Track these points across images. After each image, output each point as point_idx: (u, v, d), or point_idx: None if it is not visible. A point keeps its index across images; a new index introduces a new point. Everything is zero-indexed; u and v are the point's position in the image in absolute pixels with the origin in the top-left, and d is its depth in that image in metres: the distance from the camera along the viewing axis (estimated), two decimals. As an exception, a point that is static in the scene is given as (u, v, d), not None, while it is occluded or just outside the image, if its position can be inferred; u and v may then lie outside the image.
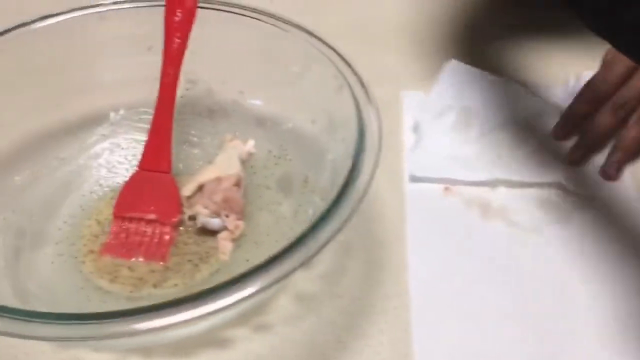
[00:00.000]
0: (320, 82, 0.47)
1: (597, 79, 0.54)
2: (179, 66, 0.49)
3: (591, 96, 0.54)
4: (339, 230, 0.37)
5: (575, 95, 0.56)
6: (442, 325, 0.44)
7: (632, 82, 0.53)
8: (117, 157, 0.53)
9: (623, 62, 0.53)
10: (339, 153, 0.45)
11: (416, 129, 0.57)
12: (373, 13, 0.71)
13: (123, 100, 0.54)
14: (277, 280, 0.35)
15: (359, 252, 0.48)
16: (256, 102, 0.53)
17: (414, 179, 0.53)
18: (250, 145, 0.51)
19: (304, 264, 0.35)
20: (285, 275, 0.35)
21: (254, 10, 0.51)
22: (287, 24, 0.50)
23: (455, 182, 0.52)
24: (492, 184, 0.52)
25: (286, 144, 0.51)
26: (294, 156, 0.50)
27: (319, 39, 0.48)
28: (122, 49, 0.53)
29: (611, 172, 0.51)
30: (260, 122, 0.53)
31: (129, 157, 0.53)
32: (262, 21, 0.51)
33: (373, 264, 0.48)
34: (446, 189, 0.52)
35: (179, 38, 0.50)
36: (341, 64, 0.46)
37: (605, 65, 0.55)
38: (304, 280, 0.46)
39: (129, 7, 0.53)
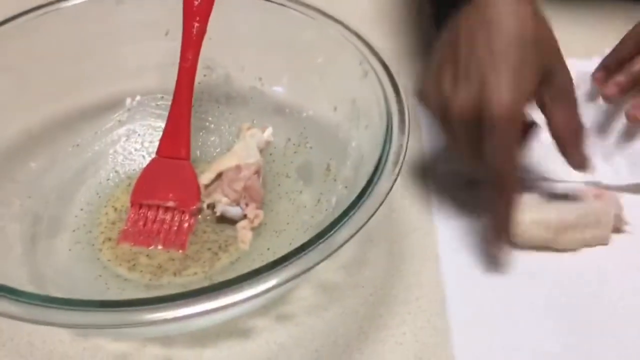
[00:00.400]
0: (344, 69, 0.46)
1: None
2: (198, 51, 0.48)
3: (637, 38, 0.51)
4: (365, 222, 0.36)
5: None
6: (477, 318, 0.43)
7: None
8: (134, 143, 0.52)
9: None
10: (363, 140, 0.44)
11: None
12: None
13: (139, 86, 0.53)
14: (300, 274, 0.34)
15: (381, 243, 0.48)
16: (275, 89, 0.52)
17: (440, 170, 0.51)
18: (268, 133, 0.50)
19: (329, 256, 0.35)
20: (309, 269, 0.34)
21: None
22: (310, 9, 0.49)
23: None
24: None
25: (306, 131, 0.50)
26: (314, 144, 0.50)
27: (344, 25, 0.47)
28: (138, 34, 0.52)
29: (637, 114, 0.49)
30: (279, 110, 0.52)
31: (146, 144, 0.52)
32: (285, 6, 0.50)
33: (395, 254, 0.47)
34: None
35: (198, 22, 0.49)
36: (367, 51, 0.45)
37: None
38: (326, 271, 0.45)
39: (147, -8, 0.52)
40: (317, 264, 0.34)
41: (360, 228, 0.36)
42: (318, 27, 0.48)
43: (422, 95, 0.47)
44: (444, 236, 0.48)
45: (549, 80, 0.44)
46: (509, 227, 0.44)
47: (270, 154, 0.51)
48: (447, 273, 0.45)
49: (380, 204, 0.37)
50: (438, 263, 0.46)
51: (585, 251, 0.47)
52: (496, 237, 0.45)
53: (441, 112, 0.44)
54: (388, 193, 0.37)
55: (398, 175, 0.38)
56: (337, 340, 0.42)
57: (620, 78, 0.51)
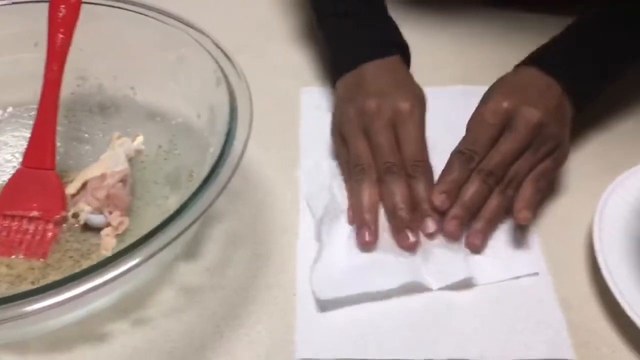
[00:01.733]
0: (202, 76, 0.47)
1: (465, 147, 0.50)
2: (63, 62, 0.49)
3: (467, 164, 0.49)
4: (202, 212, 0.38)
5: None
6: (324, 315, 0.45)
7: (501, 147, 0.49)
8: (4, 154, 0.52)
9: (488, 128, 0.50)
10: (219, 145, 0.45)
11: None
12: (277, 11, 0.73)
13: (10, 98, 0.54)
14: (142, 262, 0.35)
15: (247, 244, 0.49)
16: (146, 98, 0.53)
17: (322, 304, 0.45)
18: (138, 141, 0.51)
19: (161, 250, 0.36)
20: (150, 256, 0.35)
21: (143, 5, 0.52)
22: (176, 21, 0.50)
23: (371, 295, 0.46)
24: None
25: (175, 138, 0.51)
26: (182, 150, 0.51)
27: (204, 34, 0.49)
28: (7, 46, 0.52)
29: (475, 242, 0.48)
30: (151, 117, 0.53)
31: (17, 155, 0.52)
32: (150, 17, 0.51)
33: (260, 255, 0.48)
34: None
35: (62, 34, 0.49)
36: (221, 58, 0.47)
37: (471, 130, 0.51)
38: (189, 273, 0.47)
39: (14, 3, 0.52)
40: (151, 256, 0.35)
41: (198, 218, 0.37)
42: (179, 36, 0.49)
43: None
44: (304, 237, 0.49)
45: None
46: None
47: (142, 162, 0.52)
48: (301, 271, 0.47)
49: (213, 201, 0.39)
50: (297, 261, 0.47)
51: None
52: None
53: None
54: (218, 196, 0.39)
55: (231, 176, 0.40)
56: (192, 341, 0.43)
57: (457, 211, 0.48)
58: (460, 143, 0.51)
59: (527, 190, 0.49)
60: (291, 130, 0.58)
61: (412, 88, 0.54)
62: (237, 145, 0.41)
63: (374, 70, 0.55)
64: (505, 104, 0.50)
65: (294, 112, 0.60)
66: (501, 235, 0.49)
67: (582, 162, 0.55)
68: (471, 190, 0.48)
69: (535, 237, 0.50)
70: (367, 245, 0.47)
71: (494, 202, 0.49)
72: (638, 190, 0.51)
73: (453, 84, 0.63)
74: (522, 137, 0.49)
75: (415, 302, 0.45)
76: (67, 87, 0.54)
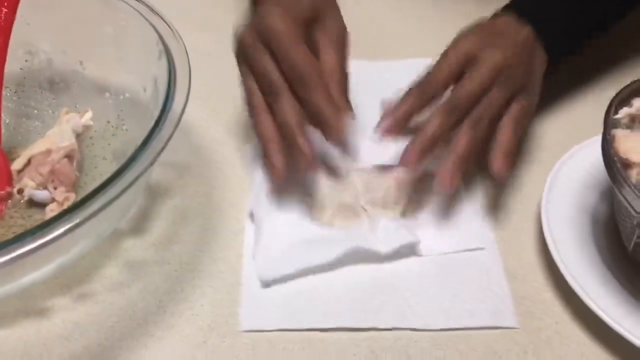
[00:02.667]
0: (145, 48, 0.46)
1: (428, 77, 0.48)
2: (7, 37, 0.48)
3: (421, 93, 0.48)
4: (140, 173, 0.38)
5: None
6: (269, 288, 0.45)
7: (464, 82, 0.47)
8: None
9: (454, 58, 0.48)
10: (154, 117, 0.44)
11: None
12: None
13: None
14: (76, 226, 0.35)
15: (196, 220, 0.49)
16: (95, 73, 0.52)
17: (265, 284, 0.45)
18: (87, 117, 0.50)
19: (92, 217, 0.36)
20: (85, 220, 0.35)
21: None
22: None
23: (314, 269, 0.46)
24: None
25: (123, 113, 0.51)
26: (129, 126, 0.50)
27: (145, 4, 0.48)
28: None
29: (446, 181, 0.46)
30: (100, 93, 0.52)
31: (-37, 133, 0.52)
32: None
33: (208, 230, 0.48)
34: None
35: (6, 8, 0.49)
36: (165, 31, 0.46)
37: (431, 69, 0.49)
38: (134, 248, 0.46)
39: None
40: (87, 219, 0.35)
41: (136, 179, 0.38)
42: (123, 9, 0.48)
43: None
44: (255, 210, 0.49)
45: (321, 21, 0.48)
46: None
47: (91, 137, 0.51)
48: (247, 246, 0.47)
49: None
50: (246, 236, 0.47)
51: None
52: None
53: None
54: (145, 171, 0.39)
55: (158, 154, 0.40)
56: (134, 315, 0.43)
57: (452, 163, 0.46)
58: (423, 73, 0.49)
59: (504, 135, 0.47)
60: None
61: None
62: (171, 118, 0.40)
63: None
64: (468, 44, 0.48)
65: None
66: (449, 208, 0.49)
67: (537, 135, 0.55)
68: (433, 122, 0.46)
69: (483, 210, 0.50)
70: (307, 161, 0.45)
71: (464, 138, 0.46)
72: (589, 164, 0.51)
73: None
74: (484, 76, 0.47)
75: (360, 273, 0.46)
76: (16, 63, 0.53)
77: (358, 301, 0.44)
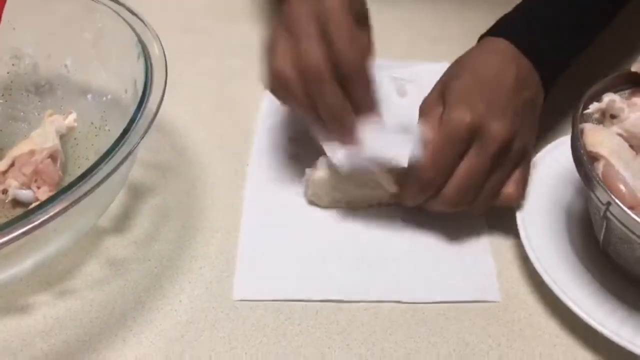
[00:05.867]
0: (124, 50, 0.47)
1: (432, 163, 0.45)
2: (-9, 41, 0.50)
3: (423, 188, 0.46)
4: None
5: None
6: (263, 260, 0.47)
7: (472, 161, 0.45)
8: (-62, 134, 0.53)
9: (457, 138, 0.45)
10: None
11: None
12: None
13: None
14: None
15: (176, 218, 0.50)
16: (80, 75, 0.53)
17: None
18: (70, 119, 0.52)
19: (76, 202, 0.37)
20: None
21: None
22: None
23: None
24: None
25: (106, 114, 0.52)
26: (112, 126, 0.51)
27: (123, 6, 0.49)
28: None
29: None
30: (84, 95, 0.53)
31: (-51, 134, 0.53)
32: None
33: (189, 228, 0.49)
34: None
35: (-9, 13, 0.50)
36: (144, 32, 0.47)
37: (430, 153, 0.45)
38: (115, 246, 0.47)
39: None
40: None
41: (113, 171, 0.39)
42: (107, 15, 0.49)
43: (269, 71, 0.46)
44: (250, 205, 0.51)
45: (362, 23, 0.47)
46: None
47: (75, 138, 0.52)
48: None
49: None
50: (225, 233, 0.48)
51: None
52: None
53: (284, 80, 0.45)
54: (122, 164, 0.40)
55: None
56: (113, 311, 0.44)
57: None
58: (420, 166, 0.45)
59: (510, 198, 0.47)
60: (232, 109, 0.59)
61: None
62: (146, 115, 0.41)
63: None
64: (467, 120, 0.44)
65: (235, 91, 0.61)
66: None
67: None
68: (432, 209, 0.47)
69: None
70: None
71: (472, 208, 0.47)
72: (565, 159, 0.51)
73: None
74: (493, 155, 0.45)
75: (350, 249, 0.48)
76: (3, 67, 0.55)
77: (347, 275, 0.46)
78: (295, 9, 0.46)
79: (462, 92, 0.47)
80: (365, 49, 0.46)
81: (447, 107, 0.46)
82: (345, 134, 0.45)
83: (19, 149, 0.49)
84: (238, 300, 0.45)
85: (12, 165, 0.49)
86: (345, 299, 0.45)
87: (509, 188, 0.47)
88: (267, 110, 0.58)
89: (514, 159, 0.47)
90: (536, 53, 0.49)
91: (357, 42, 0.45)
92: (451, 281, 0.46)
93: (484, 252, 0.48)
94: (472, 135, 0.45)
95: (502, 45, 0.49)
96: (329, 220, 0.50)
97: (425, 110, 0.48)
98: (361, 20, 0.47)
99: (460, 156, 0.45)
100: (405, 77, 0.57)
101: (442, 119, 0.46)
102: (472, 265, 0.47)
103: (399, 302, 0.45)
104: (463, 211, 0.47)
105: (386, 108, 0.47)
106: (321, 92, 0.44)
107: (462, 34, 0.57)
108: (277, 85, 0.46)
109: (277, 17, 0.48)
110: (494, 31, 0.51)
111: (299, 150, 0.54)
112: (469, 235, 0.49)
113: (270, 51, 0.46)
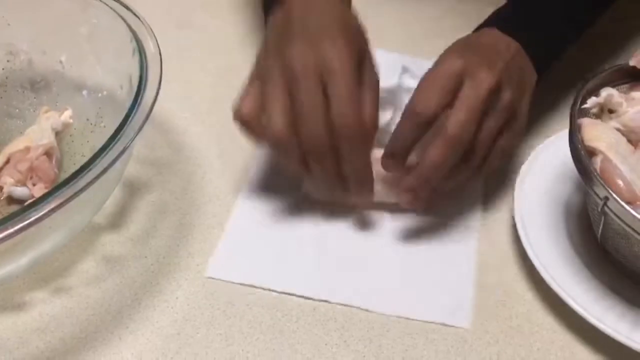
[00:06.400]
0: (120, 46, 0.47)
1: (418, 105, 0.45)
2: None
3: (414, 126, 0.45)
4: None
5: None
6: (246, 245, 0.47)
7: (456, 111, 0.44)
8: None
9: (443, 82, 0.45)
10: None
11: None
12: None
13: None
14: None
15: (173, 215, 0.49)
16: (75, 72, 0.53)
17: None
18: (66, 115, 0.51)
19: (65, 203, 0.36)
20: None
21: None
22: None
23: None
24: None
25: (102, 111, 0.52)
26: (107, 123, 0.51)
27: (124, 6, 0.49)
28: None
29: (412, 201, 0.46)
30: (79, 91, 0.53)
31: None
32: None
33: (185, 225, 0.49)
34: None
35: (-15, 9, 0.50)
36: (139, 28, 0.47)
37: (423, 90, 0.46)
38: (111, 243, 0.47)
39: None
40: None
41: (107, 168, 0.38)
42: (102, 11, 0.49)
43: (241, 117, 0.46)
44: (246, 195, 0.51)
45: (362, 63, 0.45)
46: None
47: (71, 135, 0.52)
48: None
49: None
50: (221, 229, 0.48)
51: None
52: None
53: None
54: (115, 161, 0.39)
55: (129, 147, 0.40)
56: (109, 308, 0.43)
57: (413, 181, 0.45)
58: (412, 102, 0.45)
59: (493, 164, 0.47)
60: (227, 105, 0.57)
61: (346, 27, 0.46)
62: (142, 111, 0.41)
63: (303, 5, 0.47)
64: (456, 65, 0.45)
65: (231, 87, 0.60)
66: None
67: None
68: (430, 159, 0.44)
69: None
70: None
71: (461, 175, 0.46)
72: (563, 154, 0.51)
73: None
74: (477, 102, 0.44)
75: (334, 249, 0.47)
76: (-5, 64, 0.55)
77: (322, 273, 0.46)
78: (295, 56, 0.44)
79: (452, 50, 0.48)
80: (367, 117, 0.45)
81: (438, 61, 0.47)
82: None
83: (14, 146, 0.49)
84: (209, 278, 0.45)
85: (7, 162, 0.49)
86: (311, 297, 0.44)
87: (501, 140, 0.46)
88: None
89: (504, 110, 0.46)
90: (528, 39, 0.49)
91: (358, 113, 0.43)
92: (424, 298, 0.45)
93: (467, 274, 0.46)
94: (461, 78, 0.45)
95: (494, 32, 0.50)
96: (319, 219, 0.49)
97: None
98: (363, 60, 0.46)
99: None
100: (414, 69, 0.56)
101: (433, 68, 0.47)
102: (450, 286, 0.45)
103: (360, 308, 0.44)
104: (464, 181, 0.46)
105: (396, 100, 0.49)
106: (321, 163, 0.44)
107: (456, 27, 0.56)
108: (276, 147, 0.45)
109: (266, 48, 0.46)
110: (486, 23, 0.52)
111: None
112: (457, 253, 0.47)
113: (266, 103, 0.44)
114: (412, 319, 0.43)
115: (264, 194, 0.51)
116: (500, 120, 0.46)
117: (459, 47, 0.49)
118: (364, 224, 0.49)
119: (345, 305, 0.44)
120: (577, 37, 0.55)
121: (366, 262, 0.47)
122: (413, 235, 0.48)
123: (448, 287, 0.45)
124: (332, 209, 0.50)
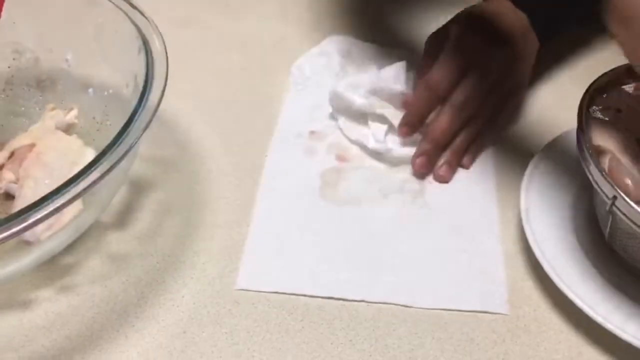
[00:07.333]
0: (126, 44, 0.47)
1: (433, 78, 0.53)
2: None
3: (430, 96, 0.53)
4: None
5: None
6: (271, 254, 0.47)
7: (469, 81, 0.53)
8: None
9: (455, 67, 0.53)
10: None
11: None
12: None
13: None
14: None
15: (179, 213, 0.49)
16: (81, 70, 0.53)
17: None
18: (72, 115, 0.51)
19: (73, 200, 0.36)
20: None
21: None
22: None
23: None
24: None
25: (108, 109, 0.52)
26: (113, 121, 0.51)
27: (130, 4, 0.48)
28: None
29: (442, 173, 0.52)
30: (85, 89, 0.53)
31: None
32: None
33: (191, 223, 0.49)
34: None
35: (-8, 7, 0.50)
36: (144, 25, 0.47)
37: (440, 64, 0.53)
38: (117, 241, 0.47)
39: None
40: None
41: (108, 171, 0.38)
42: (108, 9, 0.48)
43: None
44: (263, 197, 0.51)
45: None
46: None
47: (77, 134, 0.52)
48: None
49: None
50: (228, 228, 0.48)
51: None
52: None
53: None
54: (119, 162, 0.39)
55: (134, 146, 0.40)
56: (115, 307, 0.43)
57: (426, 146, 0.52)
58: (430, 77, 0.53)
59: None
60: (233, 104, 0.59)
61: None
62: (148, 110, 0.41)
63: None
64: (472, 41, 0.52)
65: (236, 85, 0.60)
66: None
67: (519, 123, 0.56)
68: (441, 122, 0.52)
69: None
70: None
71: (461, 138, 0.53)
72: (571, 152, 0.51)
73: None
74: (489, 77, 0.52)
75: (360, 248, 0.47)
76: (4, 61, 0.54)
77: (352, 273, 0.46)
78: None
79: (467, 22, 0.54)
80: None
81: (451, 31, 0.54)
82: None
83: (17, 142, 0.49)
84: (240, 290, 0.44)
85: (10, 157, 0.49)
86: (347, 298, 0.44)
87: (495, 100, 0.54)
88: (289, 103, 0.58)
89: (509, 82, 0.54)
90: (531, 9, 0.55)
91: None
92: (457, 289, 0.45)
93: (495, 260, 0.47)
94: (473, 56, 0.52)
95: (502, 1, 0.55)
96: (341, 218, 0.49)
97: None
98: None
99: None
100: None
101: (448, 42, 0.54)
102: (481, 273, 0.46)
103: (405, 306, 0.44)
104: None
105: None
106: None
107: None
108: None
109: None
110: None
111: (316, 144, 0.55)
112: (480, 242, 0.48)
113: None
114: (450, 310, 0.44)
115: (280, 197, 0.51)
116: (505, 91, 0.54)
117: (471, 19, 0.54)
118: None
119: (384, 303, 0.44)
120: (584, 12, 0.57)
121: (393, 259, 0.47)
122: (438, 231, 0.49)
123: (481, 277, 0.46)
124: (351, 209, 0.50)
